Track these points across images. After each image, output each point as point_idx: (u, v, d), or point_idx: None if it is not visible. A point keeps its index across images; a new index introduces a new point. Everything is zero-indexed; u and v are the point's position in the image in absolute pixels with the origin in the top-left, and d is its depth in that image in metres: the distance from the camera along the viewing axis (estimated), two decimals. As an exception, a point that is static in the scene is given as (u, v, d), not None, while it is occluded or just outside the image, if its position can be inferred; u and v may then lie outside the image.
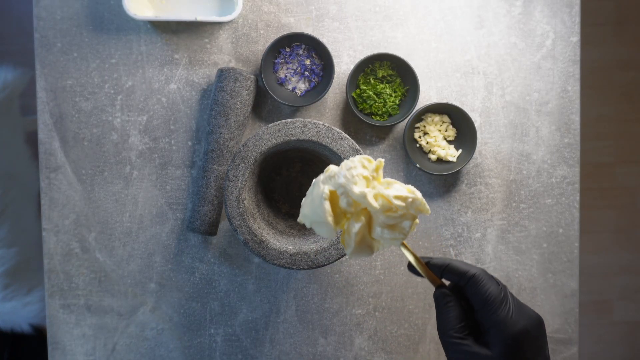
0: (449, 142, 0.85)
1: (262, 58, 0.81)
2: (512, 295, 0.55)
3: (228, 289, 0.85)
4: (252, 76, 0.80)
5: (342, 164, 0.54)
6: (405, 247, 0.55)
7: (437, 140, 0.83)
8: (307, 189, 0.66)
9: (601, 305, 1.76)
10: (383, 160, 0.55)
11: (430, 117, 0.84)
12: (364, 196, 0.51)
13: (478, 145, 0.85)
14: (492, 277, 0.55)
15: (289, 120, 0.69)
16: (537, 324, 0.54)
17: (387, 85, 0.83)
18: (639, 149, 1.74)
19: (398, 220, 0.52)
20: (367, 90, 0.82)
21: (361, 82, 0.83)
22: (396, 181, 0.54)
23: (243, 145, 0.69)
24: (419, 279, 0.85)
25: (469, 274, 0.54)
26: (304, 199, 0.56)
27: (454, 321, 0.54)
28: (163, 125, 0.84)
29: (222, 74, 0.79)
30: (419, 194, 0.53)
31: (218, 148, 0.80)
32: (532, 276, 0.87)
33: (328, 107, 0.85)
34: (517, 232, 0.87)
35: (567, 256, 0.87)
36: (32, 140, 1.21)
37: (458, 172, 0.86)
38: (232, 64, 0.84)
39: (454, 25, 0.85)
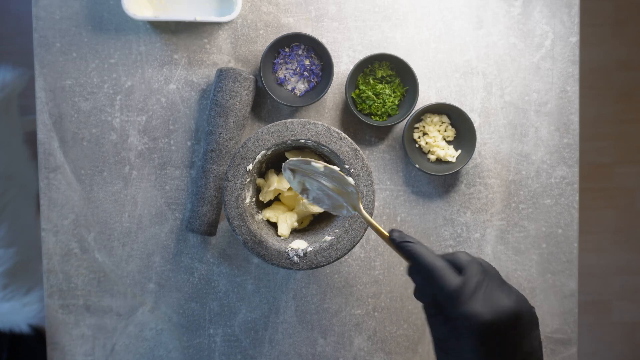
0: (448, 142, 0.85)
1: (262, 58, 0.81)
2: (489, 279, 0.50)
3: (227, 289, 0.85)
4: (252, 76, 0.80)
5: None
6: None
7: (437, 141, 0.83)
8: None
9: (600, 305, 1.76)
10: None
11: (429, 117, 0.84)
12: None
13: (477, 145, 0.85)
14: (449, 268, 0.51)
15: (288, 120, 0.69)
16: (507, 316, 0.49)
17: (386, 85, 0.83)
18: (638, 149, 1.74)
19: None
20: (367, 91, 0.82)
21: (360, 82, 0.83)
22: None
23: (242, 146, 0.69)
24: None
25: (425, 268, 0.51)
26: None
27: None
28: (162, 126, 0.84)
29: (222, 74, 0.79)
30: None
31: (217, 148, 0.80)
32: (531, 276, 0.87)
33: (327, 108, 0.85)
34: (517, 232, 0.87)
35: (566, 256, 0.87)
36: (31, 140, 1.21)
37: (457, 172, 0.86)
38: (232, 64, 0.84)
39: (453, 25, 0.85)
